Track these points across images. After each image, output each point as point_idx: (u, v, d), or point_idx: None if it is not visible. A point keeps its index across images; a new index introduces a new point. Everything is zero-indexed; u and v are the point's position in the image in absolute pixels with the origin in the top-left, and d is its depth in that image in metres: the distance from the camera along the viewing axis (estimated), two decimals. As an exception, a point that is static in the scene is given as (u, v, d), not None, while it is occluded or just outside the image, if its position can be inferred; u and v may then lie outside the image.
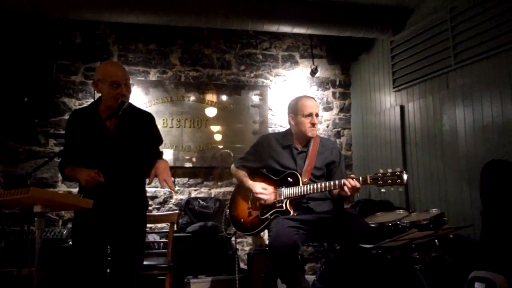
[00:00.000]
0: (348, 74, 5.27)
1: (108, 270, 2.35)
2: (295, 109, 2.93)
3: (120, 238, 2.33)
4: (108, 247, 2.38)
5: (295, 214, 2.75)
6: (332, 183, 2.68)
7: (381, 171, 2.57)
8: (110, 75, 2.31)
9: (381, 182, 2.54)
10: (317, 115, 2.91)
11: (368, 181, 2.57)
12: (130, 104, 2.45)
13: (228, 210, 3.14)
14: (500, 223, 2.92)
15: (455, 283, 2.81)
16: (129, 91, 2.39)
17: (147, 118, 2.52)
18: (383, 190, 2.59)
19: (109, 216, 2.31)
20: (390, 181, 2.52)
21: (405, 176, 2.49)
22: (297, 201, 2.81)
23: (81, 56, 4.48)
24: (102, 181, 2.22)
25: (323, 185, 2.70)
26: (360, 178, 2.60)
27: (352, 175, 2.66)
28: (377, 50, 4.75)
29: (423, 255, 2.86)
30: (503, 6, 3.16)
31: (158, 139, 2.54)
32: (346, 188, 2.58)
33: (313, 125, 2.88)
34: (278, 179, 2.89)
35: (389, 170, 2.55)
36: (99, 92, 2.41)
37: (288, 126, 3.06)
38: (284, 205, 2.78)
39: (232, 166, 3.12)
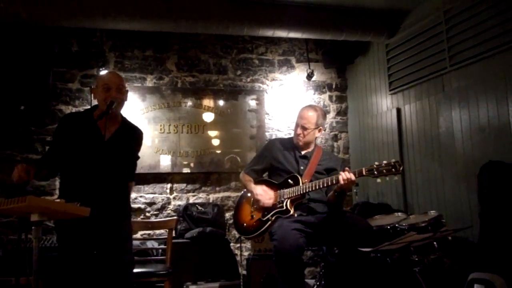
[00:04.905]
0: (344, 78, 5.28)
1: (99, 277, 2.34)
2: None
3: (106, 247, 2.33)
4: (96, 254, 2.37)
5: (295, 214, 2.79)
6: (329, 178, 2.73)
7: (376, 163, 2.61)
8: (103, 79, 2.46)
9: (376, 172, 2.57)
10: (303, 127, 2.96)
11: (364, 173, 2.61)
12: (125, 119, 2.55)
13: (233, 216, 3.19)
14: (498, 224, 2.93)
15: (455, 285, 2.81)
16: (121, 96, 2.42)
17: (139, 135, 2.61)
18: (378, 180, 2.61)
19: (95, 224, 2.28)
20: (385, 171, 2.55)
21: (399, 166, 2.52)
22: (298, 202, 2.86)
23: (78, 63, 4.51)
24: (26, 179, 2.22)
25: (320, 182, 2.76)
26: (356, 171, 2.64)
27: (347, 168, 2.69)
28: (372, 53, 4.76)
29: (422, 258, 2.86)
30: (497, 8, 3.18)
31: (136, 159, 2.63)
32: (341, 179, 2.62)
33: (298, 135, 3.00)
34: (280, 183, 2.96)
35: (384, 162, 2.58)
36: (95, 99, 2.52)
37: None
38: (284, 205, 2.82)
39: (242, 172, 3.21)
